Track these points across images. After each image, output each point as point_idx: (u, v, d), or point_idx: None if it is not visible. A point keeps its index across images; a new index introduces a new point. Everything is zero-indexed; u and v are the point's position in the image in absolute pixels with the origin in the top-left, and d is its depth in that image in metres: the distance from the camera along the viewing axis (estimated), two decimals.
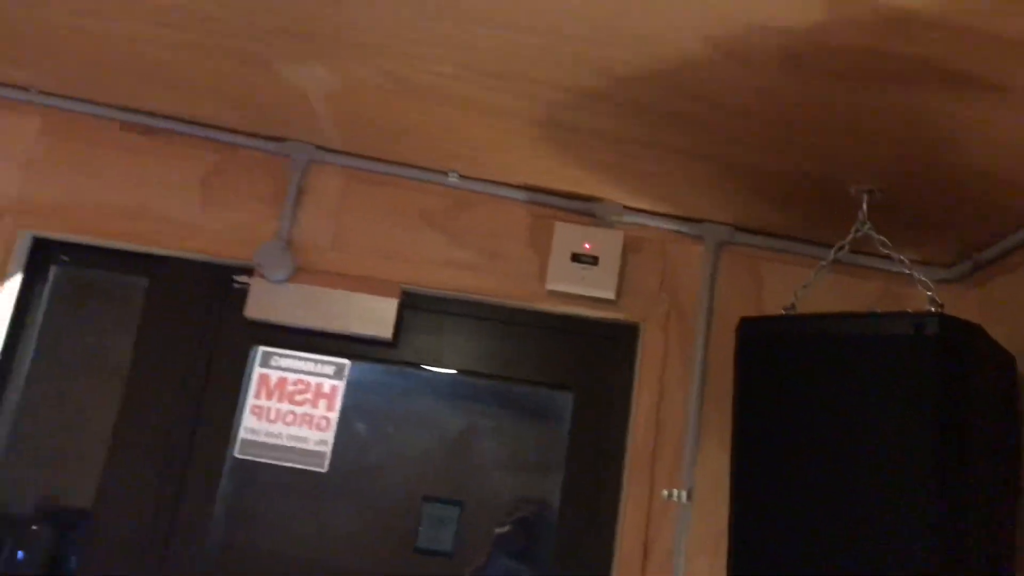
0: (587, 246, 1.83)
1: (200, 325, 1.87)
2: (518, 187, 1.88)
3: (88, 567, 1.77)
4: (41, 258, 1.92)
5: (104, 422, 1.88)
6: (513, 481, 1.99)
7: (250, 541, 1.87)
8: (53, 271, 1.95)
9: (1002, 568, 1.42)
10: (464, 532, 1.91)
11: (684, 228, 1.88)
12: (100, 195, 1.86)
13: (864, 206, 1.57)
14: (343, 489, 1.90)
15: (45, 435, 1.92)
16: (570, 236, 1.83)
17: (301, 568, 1.87)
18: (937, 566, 1.28)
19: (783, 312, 1.58)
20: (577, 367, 1.90)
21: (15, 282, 1.87)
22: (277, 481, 1.89)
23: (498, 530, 1.93)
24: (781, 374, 1.48)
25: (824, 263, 1.59)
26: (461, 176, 1.87)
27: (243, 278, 1.86)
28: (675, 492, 1.74)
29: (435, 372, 1.96)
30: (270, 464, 1.85)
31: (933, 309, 1.40)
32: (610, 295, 1.82)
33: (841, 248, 1.58)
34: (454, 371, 1.96)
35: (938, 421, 1.30)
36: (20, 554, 1.86)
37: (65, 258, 1.94)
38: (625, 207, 1.87)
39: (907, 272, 1.52)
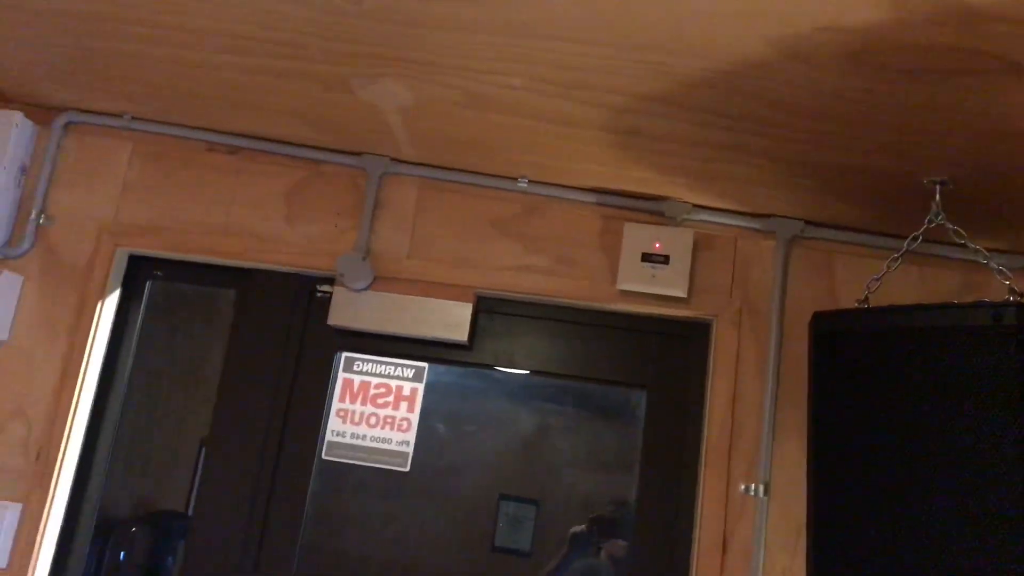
0: (657, 245, 1.85)
1: (286, 333, 1.96)
2: (587, 190, 1.92)
3: (188, 568, 1.87)
4: (137, 274, 2.04)
5: (198, 429, 1.99)
6: (588, 480, 2.01)
7: (336, 542, 1.94)
8: (148, 286, 2.06)
9: None
10: (541, 531, 1.95)
11: (754, 224, 1.89)
12: (190, 213, 1.97)
13: (937, 197, 1.55)
14: (423, 490, 1.96)
15: (143, 442, 2.02)
16: (640, 236, 1.86)
17: (384, 567, 1.93)
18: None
19: (856, 305, 1.57)
20: (650, 365, 1.92)
21: (114, 298, 1.99)
22: (361, 483, 1.96)
23: (574, 529, 1.96)
24: (856, 368, 1.48)
25: (897, 255, 1.58)
26: (531, 182, 1.91)
27: (325, 287, 1.94)
28: (752, 487, 1.75)
29: (510, 373, 2.01)
30: (354, 467, 1.92)
31: (1012, 298, 1.38)
32: (681, 293, 1.84)
33: (915, 239, 1.57)
34: (528, 372, 2.01)
35: (1020, 410, 1.29)
36: (122, 555, 1.98)
37: (159, 273, 2.05)
38: (694, 205, 1.89)
39: (984, 262, 1.51)
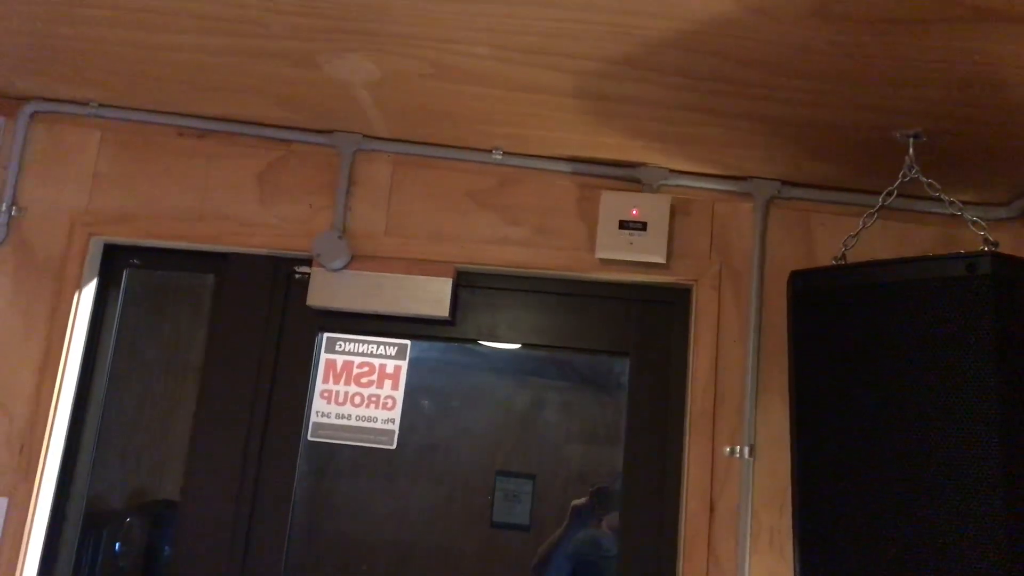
0: (634, 212, 1.84)
1: (266, 316, 1.95)
2: (562, 159, 1.91)
3: (179, 555, 1.87)
4: (113, 263, 2.02)
5: (183, 415, 1.98)
6: (584, 453, 2.02)
7: (330, 524, 1.95)
8: (125, 275, 2.04)
9: None
10: (539, 505, 1.96)
11: (731, 187, 1.89)
12: (163, 199, 1.95)
13: (910, 150, 1.55)
14: (418, 468, 1.96)
15: (130, 431, 2.01)
16: (617, 204, 1.85)
17: (382, 547, 1.93)
18: (1004, 513, 1.27)
19: (833, 263, 1.57)
20: (633, 332, 1.92)
21: (91, 287, 1.97)
22: (352, 464, 1.96)
23: (575, 502, 1.97)
24: (835, 325, 1.48)
25: (873, 211, 1.58)
26: (505, 153, 1.90)
27: (304, 268, 1.93)
28: (737, 448, 1.76)
29: (497, 348, 2.01)
30: (343, 448, 1.92)
31: (986, 248, 1.38)
32: (660, 259, 1.83)
33: (890, 194, 1.57)
34: (511, 345, 2.00)
35: (996, 360, 1.29)
36: (117, 546, 1.97)
37: (135, 261, 2.03)
38: (670, 170, 1.88)
39: (959, 213, 1.51)
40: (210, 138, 1.97)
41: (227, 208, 1.94)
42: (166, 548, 1.96)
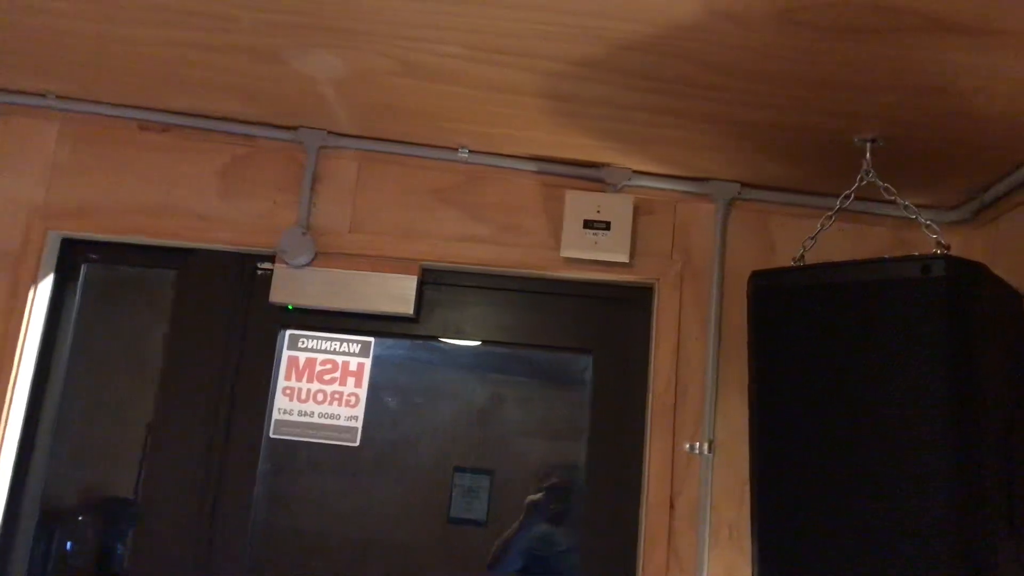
0: (598, 212, 1.86)
1: (228, 313, 1.93)
2: (528, 158, 1.92)
3: (136, 555, 1.84)
4: (71, 258, 1.99)
5: (142, 413, 1.95)
6: (541, 448, 2.04)
7: (289, 521, 1.94)
8: (83, 270, 2.01)
9: (1017, 503, 1.46)
10: (496, 500, 1.97)
11: (693, 188, 1.92)
12: (123, 194, 1.92)
13: (867, 155, 1.59)
14: (378, 465, 1.96)
15: (86, 429, 1.98)
16: (581, 203, 1.87)
17: (340, 543, 1.93)
18: (955, 507, 1.31)
19: (792, 263, 1.61)
20: (596, 330, 1.95)
21: (47, 283, 1.94)
22: (312, 460, 1.96)
23: (531, 497, 1.98)
24: (793, 324, 1.52)
25: (831, 213, 1.62)
26: (472, 151, 1.91)
27: (266, 265, 1.92)
28: (697, 445, 1.79)
29: (459, 345, 2.01)
30: (305, 445, 1.91)
31: (939, 251, 1.42)
32: (624, 258, 1.86)
33: (847, 197, 1.60)
34: (476, 342, 2.01)
35: (949, 360, 1.33)
36: (69, 545, 1.94)
37: (94, 256, 2.00)
38: (634, 171, 1.91)
39: (913, 217, 1.55)
40: (173, 132, 1.95)
41: (189, 203, 1.92)
42: (119, 547, 1.94)
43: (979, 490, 1.34)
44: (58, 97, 1.93)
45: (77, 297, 2.01)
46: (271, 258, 1.90)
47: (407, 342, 2.00)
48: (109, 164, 1.93)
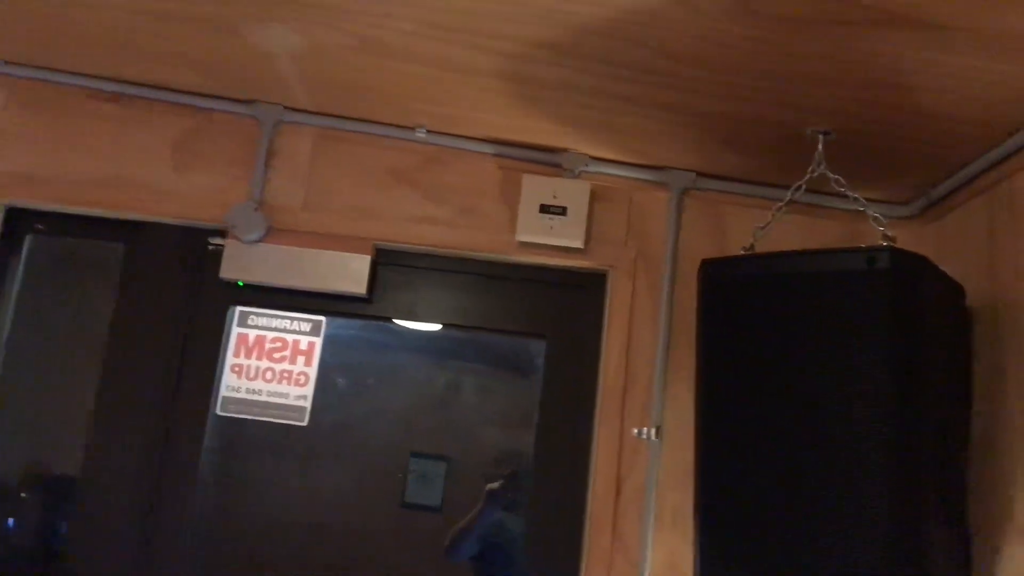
0: (555, 197, 1.86)
1: (177, 288, 1.90)
2: (486, 141, 1.91)
3: (79, 533, 1.81)
4: (15, 228, 1.93)
5: (87, 389, 1.91)
6: (499, 436, 2.04)
7: (239, 503, 1.93)
8: (28, 240, 1.96)
9: (954, 497, 1.50)
10: (452, 487, 1.97)
11: (648, 176, 1.92)
12: (71, 163, 1.87)
13: (820, 147, 1.61)
14: (329, 448, 1.95)
15: (29, 405, 1.94)
16: (538, 188, 1.87)
17: (292, 527, 1.92)
18: (892, 497, 1.33)
19: (742, 252, 1.62)
20: (549, 315, 1.95)
21: None
22: (262, 441, 1.94)
23: (490, 486, 1.99)
24: (742, 313, 1.54)
25: (782, 203, 1.64)
26: (430, 131, 1.90)
27: (217, 240, 1.89)
28: (645, 430, 1.81)
29: (413, 329, 2.01)
30: (254, 425, 1.89)
31: (885, 243, 1.45)
32: (579, 244, 1.86)
33: (798, 189, 1.63)
34: (429, 324, 2.01)
35: (891, 351, 1.36)
36: (11, 522, 1.91)
37: (40, 227, 1.95)
38: (591, 157, 1.91)
39: (862, 209, 1.58)
40: (124, 102, 1.90)
41: (140, 175, 1.88)
42: (63, 525, 1.89)
43: (916, 482, 1.37)
44: (6, 62, 1.88)
45: (21, 268, 1.96)
46: (222, 233, 1.87)
47: (360, 324, 1.99)
48: (58, 132, 1.88)
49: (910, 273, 1.40)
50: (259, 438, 1.94)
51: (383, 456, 1.99)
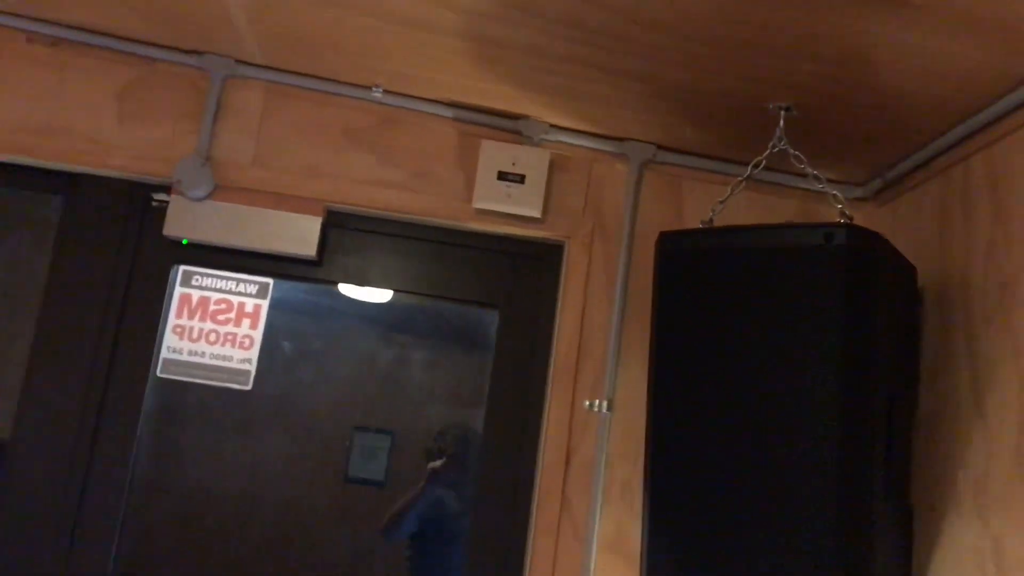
0: (513, 164, 1.83)
1: (118, 244, 1.82)
2: (444, 104, 1.87)
3: (7, 498, 1.73)
4: None
5: (20, 347, 1.83)
6: (445, 412, 2.02)
7: (173, 472, 1.87)
8: None
9: (898, 472, 1.52)
10: (396, 461, 1.94)
11: (608, 147, 1.90)
12: (8, 110, 1.78)
13: (781, 123, 1.61)
14: (270, 415, 1.91)
15: None
16: (497, 154, 1.83)
17: (232, 499, 1.87)
18: (841, 469, 1.34)
19: (701, 226, 1.62)
20: (503, 286, 1.92)
21: None
22: (200, 410, 1.88)
23: (431, 464, 1.96)
24: (698, 286, 1.53)
25: (742, 178, 1.63)
26: (386, 92, 1.84)
27: (162, 196, 1.81)
28: (596, 403, 1.79)
29: (364, 301, 1.96)
30: (192, 392, 1.83)
31: (843, 221, 1.45)
32: (536, 213, 1.83)
33: (758, 164, 1.62)
34: (378, 293, 1.97)
35: (844, 326, 1.36)
36: None
37: None
38: (551, 125, 1.88)
39: (821, 187, 1.58)
40: (64, 47, 1.81)
41: (80, 125, 1.79)
42: None
43: (865, 453, 1.38)
44: None
45: None
46: (167, 189, 1.80)
47: (305, 291, 1.94)
48: None
49: (866, 251, 1.40)
50: (196, 405, 1.88)
51: (326, 428, 1.95)
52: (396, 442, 1.96)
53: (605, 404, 1.79)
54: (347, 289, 1.97)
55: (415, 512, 1.96)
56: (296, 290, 1.97)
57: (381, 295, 1.98)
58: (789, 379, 1.40)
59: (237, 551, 1.93)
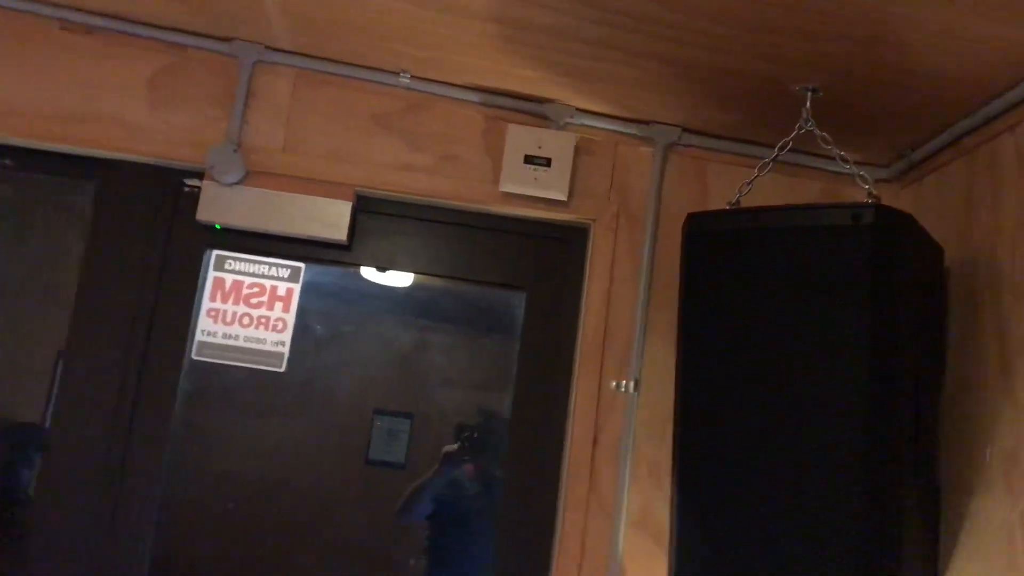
0: (539, 148, 1.85)
1: (151, 230, 1.86)
2: (471, 88, 1.88)
3: (46, 482, 1.77)
4: None
5: (54, 334, 1.87)
6: (464, 397, 2.04)
7: (205, 458, 1.90)
8: None
9: (926, 449, 1.53)
10: (416, 444, 1.97)
11: (633, 130, 1.91)
12: (42, 97, 1.81)
13: (807, 104, 1.61)
14: (300, 397, 1.94)
15: None
16: (523, 138, 1.85)
17: (255, 481, 1.91)
18: (870, 447, 1.36)
19: (728, 207, 1.63)
20: (530, 268, 1.94)
21: None
22: (227, 395, 1.92)
23: (446, 448, 1.99)
24: (725, 267, 1.54)
25: (768, 160, 1.64)
26: (413, 77, 1.86)
27: (194, 182, 1.85)
28: (623, 383, 1.82)
29: (386, 284, 1.98)
30: (220, 377, 1.85)
31: (870, 201, 1.46)
32: (562, 196, 1.85)
33: (785, 145, 1.63)
34: (401, 278, 1.99)
35: (872, 305, 1.38)
36: None
37: (7, 162, 1.89)
38: (577, 109, 1.89)
39: (847, 169, 1.58)
40: (97, 35, 1.84)
41: (113, 111, 1.82)
42: (24, 472, 1.86)
43: (892, 432, 1.39)
44: None
45: None
46: (199, 175, 1.83)
47: (332, 281, 1.96)
48: (26, 64, 1.82)
49: (894, 230, 1.41)
50: (221, 389, 1.92)
51: (347, 412, 1.98)
52: (416, 425, 1.99)
53: (632, 384, 1.81)
54: (369, 273, 1.99)
55: (429, 494, 1.98)
56: (314, 276, 1.99)
57: (401, 280, 2.00)
58: (816, 358, 1.42)
59: (261, 531, 1.97)
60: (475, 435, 1.99)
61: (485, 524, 1.99)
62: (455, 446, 1.98)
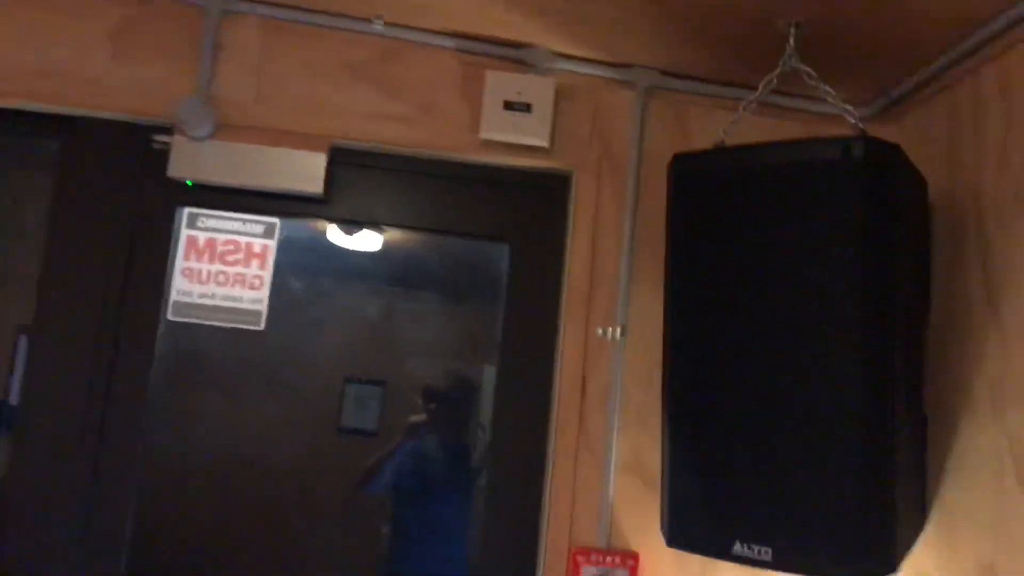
0: (519, 94, 1.81)
1: (120, 188, 1.79)
2: (447, 35, 1.84)
3: (15, 459, 1.71)
4: None
5: (23, 302, 1.81)
6: (438, 365, 2.03)
7: (181, 425, 1.88)
8: None
9: (914, 381, 1.54)
10: (387, 411, 1.95)
11: (613, 74, 1.88)
12: None
13: (791, 39, 1.59)
14: (270, 372, 1.91)
15: None
16: (502, 84, 1.81)
17: (223, 449, 1.88)
18: (866, 383, 1.35)
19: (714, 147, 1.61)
20: (513, 218, 1.91)
21: None
22: (205, 369, 1.88)
23: (412, 418, 1.97)
24: (713, 206, 1.53)
25: (752, 98, 1.62)
26: (387, 24, 1.81)
27: (163, 137, 1.78)
28: (609, 330, 1.80)
29: (361, 253, 1.95)
30: (204, 336, 1.82)
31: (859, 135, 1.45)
32: (543, 143, 1.82)
33: (770, 82, 1.61)
34: (388, 228, 1.96)
35: (865, 239, 1.37)
36: None
37: None
38: (556, 54, 1.85)
39: (831, 107, 1.57)
40: None
41: (75, 67, 1.75)
42: None
43: (886, 366, 1.40)
44: None
45: None
46: (168, 130, 1.76)
47: (303, 246, 1.92)
48: None
49: (884, 163, 1.40)
50: (196, 353, 1.88)
51: (319, 380, 1.96)
52: (387, 392, 1.98)
53: (619, 331, 1.80)
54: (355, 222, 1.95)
55: (390, 465, 1.97)
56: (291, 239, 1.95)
57: (370, 245, 1.97)
58: (809, 295, 1.41)
59: (238, 499, 1.96)
60: (442, 403, 1.98)
61: (452, 493, 1.99)
62: (422, 417, 1.97)
